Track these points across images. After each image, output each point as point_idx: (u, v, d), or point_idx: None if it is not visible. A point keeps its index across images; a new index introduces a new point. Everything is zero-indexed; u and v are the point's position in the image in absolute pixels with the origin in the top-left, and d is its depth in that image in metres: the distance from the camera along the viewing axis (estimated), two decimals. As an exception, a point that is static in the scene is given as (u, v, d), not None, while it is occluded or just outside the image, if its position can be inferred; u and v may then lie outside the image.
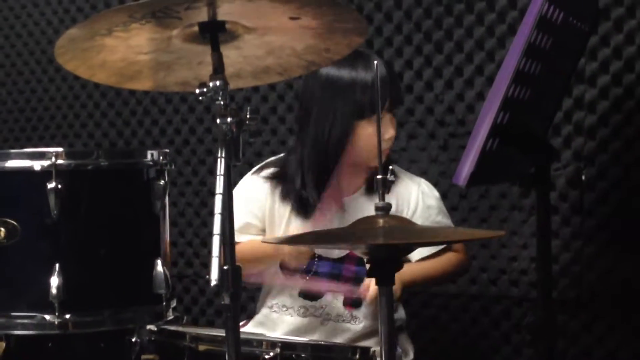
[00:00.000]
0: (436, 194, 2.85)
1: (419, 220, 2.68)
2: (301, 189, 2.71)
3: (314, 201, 2.70)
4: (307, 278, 2.77)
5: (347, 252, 2.75)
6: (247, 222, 2.77)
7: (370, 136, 2.66)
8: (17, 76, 4.28)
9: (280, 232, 2.78)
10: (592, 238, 2.99)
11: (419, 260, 2.76)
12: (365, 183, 2.77)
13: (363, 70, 2.64)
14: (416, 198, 2.79)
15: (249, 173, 2.86)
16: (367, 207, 2.71)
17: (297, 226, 2.74)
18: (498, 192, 3.14)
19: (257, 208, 2.79)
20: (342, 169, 2.68)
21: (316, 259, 2.77)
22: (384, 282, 2.05)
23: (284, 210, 2.77)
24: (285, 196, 2.76)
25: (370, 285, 2.64)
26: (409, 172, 2.88)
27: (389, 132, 2.70)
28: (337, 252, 2.76)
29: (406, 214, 2.72)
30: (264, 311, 2.86)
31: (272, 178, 2.79)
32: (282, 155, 2.88)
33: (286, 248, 2.70)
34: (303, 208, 2.73)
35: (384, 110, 2.65)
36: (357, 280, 2.75)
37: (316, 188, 2.70)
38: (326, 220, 2.68)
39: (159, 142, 3.90)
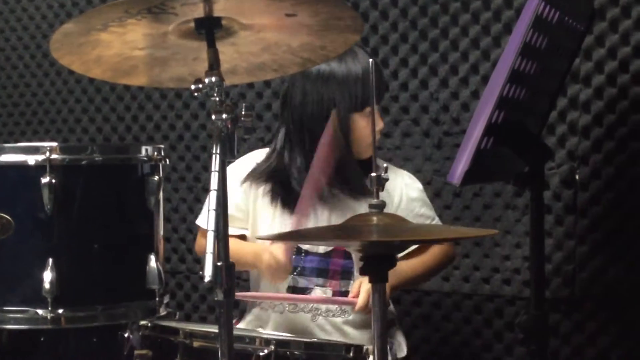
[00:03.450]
0: (419, 185, 2.86)
1: (402, 213, 2.67)
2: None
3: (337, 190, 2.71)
4: (295, 274, 2.77)
5: (334, 245, 2.75)
6: (230, 214, 2.75)
7: (362, 129, 2.69)
8: (11, 70, 4.28)
9: (266, 227, 2.78)
10: (585, 238, 2.99)
11: (404, 256, 2.76)
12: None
13: (352, 64, 2.67)
14: (400, 191, 2.79)
15: (232, 164, 2.80)
16: (351, 201, 2.73)
17: (285, 223, 2.74)
18: (492, 191, 3.14)
19: (239, 199, 2.79)
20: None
21: (303, 254, 2.77)
22: (378, 280, 2.05)
23: (268, 206, 2.77)
24: (274, 193, 2.76)
25: (360, 294, 2.64)
26: (391, 165, 2.88)
27: (379, 124, 2.72)
28: (323, 247, 2.76)
29: (390, 207, 2.72)
30: (255, 310, 2.85)
31: (253, 171, 2.79)
32: (264, 150, 2.86)
33: (265, 262, 2.67)
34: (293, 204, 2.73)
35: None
36: (345, 274, 2.76)
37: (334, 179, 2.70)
38: (309, 211, 2.68)
39: (153, 137, 3.90)
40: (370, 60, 2.08)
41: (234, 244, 2.72)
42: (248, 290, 2.89)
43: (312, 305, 2.77)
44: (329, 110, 2.65)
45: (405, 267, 2.76)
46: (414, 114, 3.27)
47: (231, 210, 2.74)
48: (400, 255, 2.75)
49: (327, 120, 2.65)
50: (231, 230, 2.72)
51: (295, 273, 2.77)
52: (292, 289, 2.77)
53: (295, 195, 2.67)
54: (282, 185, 2.75)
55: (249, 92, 3.59)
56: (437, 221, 2.83)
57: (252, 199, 2.79)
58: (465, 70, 3.17)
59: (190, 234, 3.81)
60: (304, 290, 2.77)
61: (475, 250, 3.19)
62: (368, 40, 3.31)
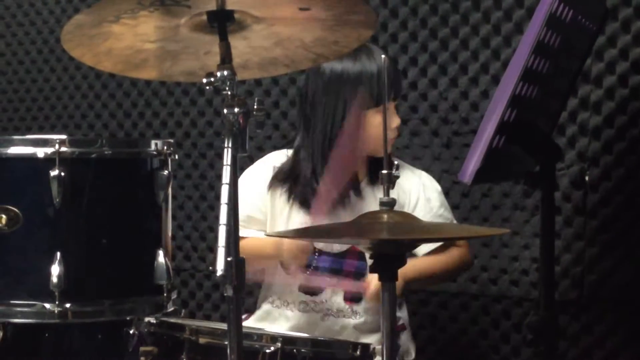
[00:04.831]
0: (437, 187, 2.85)
1: (420, 213, 2.66)
2: (315, 185, 2.70)
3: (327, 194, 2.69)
4: (308, 273, 2.76)
5: (348, 246, 2.74)
6: (250, 215, 2.75)
7: (378, 125, 2.67)
8: (18, 65, 4.28)
9: (282, 227, 2.77)
10: (594, 239, 2.97)
11: (425, 255, 2.75)
12: (368, 174, 2.76)
13: (367, 61, 2.67)
14: (417, 191, 2.78)
15: (251, 166, 2.85)
16: (369, 198, 2.72)
17: (299, 221, 2.73)
18: (501, 191, 3.12)
19: (259, 201, 2.78)
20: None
21: (316, 254, 2.76)
22: (387, 278, 2.04)
23: (285, 205, 2.76)
24: (291, 192, 2.75)
25: (372, 281, 2.64)
26: (410, 165, 2.88)
27: (395, 121, 2.73)
28: (337, 247, 2.75)
29: (407, 207, 2.72)
30: (265, 306, 2.85)
31: (276, 174, 2.78)
32: (284, 150, 2.86)
33: (285, 247, 2.68)
34: (309, 203, 2.72)
35: (389, 100, 2.65)
36: (358, 275, 2.74)
37: (337, 184, 2.69)
38: (325, 210, 2.67)
39: (159, 134, 3.89)
40: (383, 56, 2.08)
41: (254, 241, 2.73)
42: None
43: (323, 304, 2.76)
44: (343, 110, 2.65)
45: (422, 263, 2.75)
46: (423, 113, 3.26)
47: (250, 210, 2.74)
48: (422, 253, 2.74)
49: (342, 119, 2.65)
50: (250, 233, 2.74)
51: (308, 272, 2.75)
52: (304, 288, 2.76)
53: (315, 194, 2.67)
54: (301, 185, 2.74)
55: (256, 90, 3.58)
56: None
57: (271, 199, 2.78)
58: (475, 70, 3.15)
59: (196, 232, 3.81)
60: (317, 290, 2.76)
61: (483, 251, 3.17)
62: (378, 39, 3.30)
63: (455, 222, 2.85)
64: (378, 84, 2.65)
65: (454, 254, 2.82)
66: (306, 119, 2.74)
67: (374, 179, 2.74)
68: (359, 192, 2.74)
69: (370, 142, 2.69)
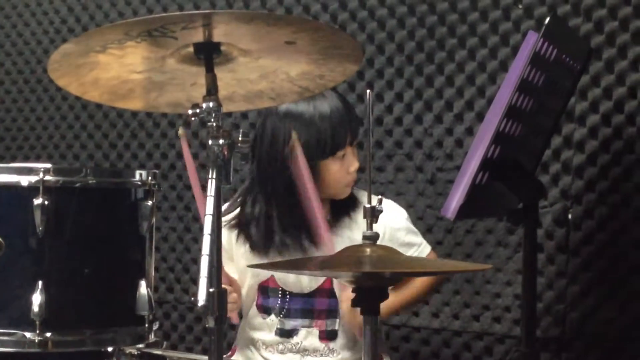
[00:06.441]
0: (403, 213, 2.82)
1: (389, 244, 2.64)
2: (276, 229, 2.69)
3: (293, 239, 2.69)
4: (281, 316, 2.76)
5: (317, 285, 2.74)
6: None
7: (335, 172, 2.67)
8: (4, 95, 4.28)
9: (240, 272, 2.79)
10: (576, 277, 2.98)
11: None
12: (330, 214, 2.76)
13: (320, 104, 2.64)
14: (384, 223, 2.72)
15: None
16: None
17: (256, 261, 2.73)
18: (484, 227, 3.13)
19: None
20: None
21: (287, 296, 2.76)
22: (369, 312, 2.04)
23: (244, 251, 2.77)
24: (246, 238, 2.75)
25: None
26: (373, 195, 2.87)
27: (354, 165, 2.69)
28: (307, 287, 2.74)
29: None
30: (244, 349, 2.85)
31: (231, 223, 2.78)
32: (236, 196, 2.84)
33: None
34: (264, 247, 2.72)
35: (347, 146, 2.65)
36: (330, 313, 2.74)
37: (293, 227, 2.68)
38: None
39: (144, 165, 3.88)
40: (368, 91, 2.07)
41: None
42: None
43: (299, 345, 2.75)
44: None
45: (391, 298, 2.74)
46: (408, 149, 3.27)
47: None
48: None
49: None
50: None
51: (281, 315, 2.76)
52: (280, 331, 2.76)
53: (262, 239, 2.68)
54: (253, 229, 2.73)
55: (242, 123, 3.59)
56: (424, 246, 2.79)
57: (227, 243, 2.78)
58: (461, 107, 3.17)
59: (179, 264, 3.80)
60: (292, 332, 2.76)
61: (466, 287, 3.18)
62: (364, 74, 3.32)
63: (424, 243, 2.80)
64: (332, 133, 2.63)
65: (417, 283, 2.81)
66: (262, 163, 2.70)
67: (335, 220, 2.74)
68: (310, 236, 2.71)
69: (327, 190, 2.69)
